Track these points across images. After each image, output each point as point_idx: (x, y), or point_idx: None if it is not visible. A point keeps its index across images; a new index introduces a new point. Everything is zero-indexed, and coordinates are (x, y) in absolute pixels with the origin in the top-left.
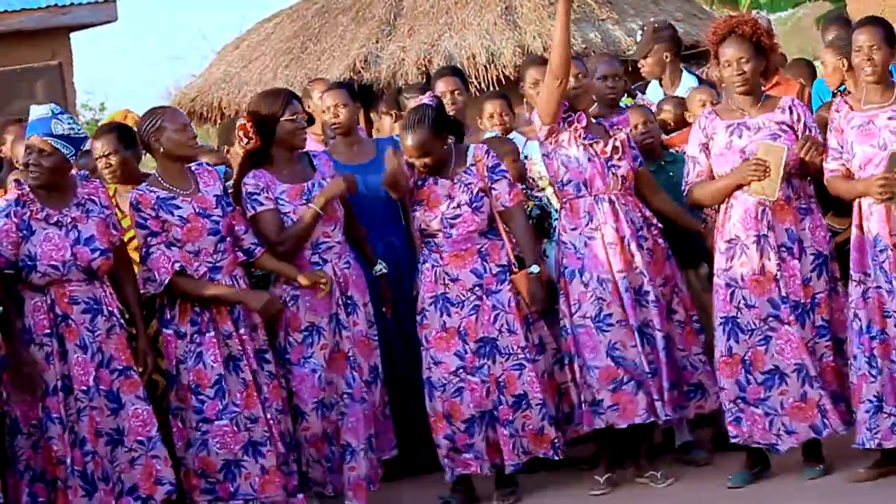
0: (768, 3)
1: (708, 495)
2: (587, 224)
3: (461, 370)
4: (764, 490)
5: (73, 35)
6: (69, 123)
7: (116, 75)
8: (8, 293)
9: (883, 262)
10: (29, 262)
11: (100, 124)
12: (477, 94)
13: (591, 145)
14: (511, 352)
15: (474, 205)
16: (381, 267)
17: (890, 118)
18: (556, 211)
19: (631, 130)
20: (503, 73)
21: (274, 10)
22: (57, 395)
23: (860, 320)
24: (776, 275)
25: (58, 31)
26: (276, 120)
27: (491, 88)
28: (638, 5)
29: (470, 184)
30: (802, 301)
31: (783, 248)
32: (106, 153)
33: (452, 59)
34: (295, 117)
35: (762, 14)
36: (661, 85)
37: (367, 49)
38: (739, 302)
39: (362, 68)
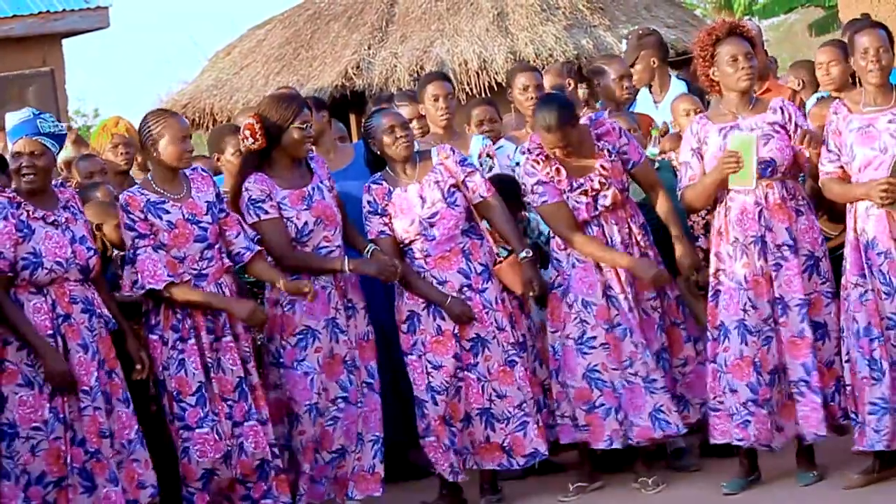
0: (760, 9)
1: (702, 502)
2: None
3: (459, 370)
4: (758, 497)
5: (64, 41)
6: (52, 121)
7: (108, 82)
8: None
9: (881, 264)
10: (34, 260)
11: (92, 131)
12: (467, 100)
13: (581, 193)
14: (503, 349)
15: (448, 199)
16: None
17: (890, 121)
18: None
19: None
20: (495, 79)
21: (266, 17)
22: (64, 395)
23: (857, 323)
24: (773, 275)
25: (50, 37)
26: (286, 127)
27: (483, 95)
28: (630, 12)
29: (439, 181)
30: (798, 300)
31: (785, 247)
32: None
33: (444, 65)
34: (304, 126)
35: (753, 20)
36: (650, 91)
37: (359, 55)
38: (745, 304)
39: (354, 75)
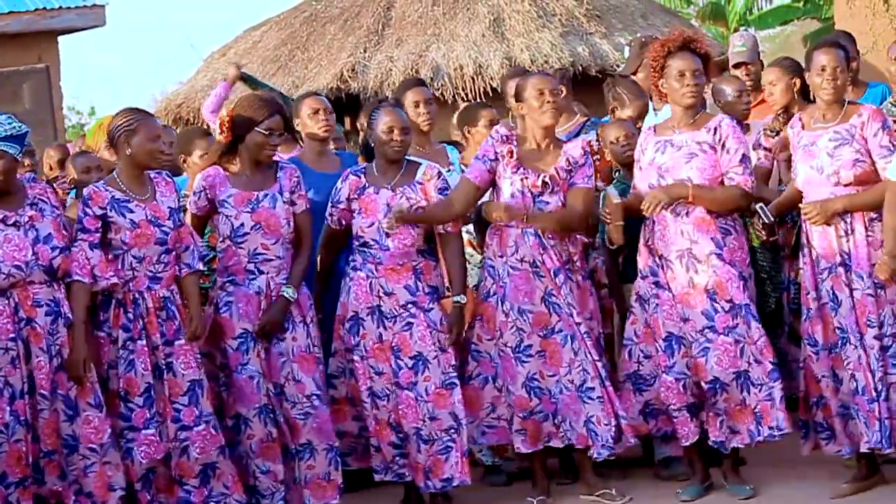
0: (756, 19)
1: None
2: (513, 254)
3: (395, 385)
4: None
5: (60, 39)
6: (9, 123)
7: (103, 80)
8: None
9: (825, 280)
10: None
11: (87, 129)
12: (462, 105)
13: (522, 179)
14: (444, 371)
15: None
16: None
17: (830, 140)
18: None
19: (609, 143)
20: (490, 84)
21: (262, 19)
22: (24, 398)
23: (816, 335)
24: (706, 285)
25: (46, 34)
26: (251, 128)
27: (477, 100)
28: (626, 20)
29: (411, 198)
30: (741, 305)
31: (713, 256)
32: None
33: (440, 69)
34: (268, 132)
35: (749, 31)
36: (650, 99)
37: (354, 58)
38: (677, 317)
39: (350, 77)
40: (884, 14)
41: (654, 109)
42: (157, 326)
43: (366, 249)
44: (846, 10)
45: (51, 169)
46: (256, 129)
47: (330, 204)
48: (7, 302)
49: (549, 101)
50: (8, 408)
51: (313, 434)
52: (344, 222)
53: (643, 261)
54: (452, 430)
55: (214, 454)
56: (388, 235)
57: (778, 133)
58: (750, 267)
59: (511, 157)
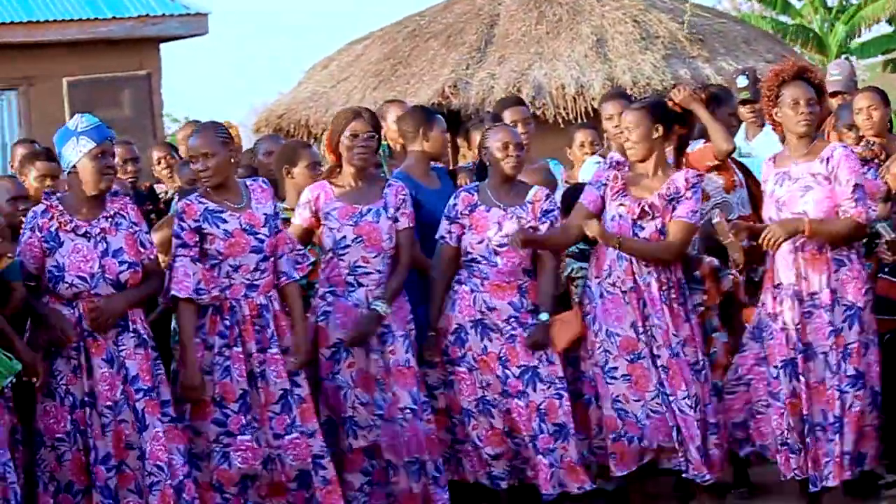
0: (858, 48)
1: None
2: (606, 277)
3: (506, 394)
4: None
5: (162, 46)
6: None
7: (202, 89)
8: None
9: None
10: (56, 273)
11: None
12: (563, 125)
13: (622, 205)
14: (551, 381)
15: None
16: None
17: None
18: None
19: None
20: (591, 105)
21: (365, 32)
22: (84, 408)
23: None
24: (798, 323)
25: (147, 41)
26: (338, 138)
27: (579, 120)
28: (728, 45)
29: (521, 218)
30: (830, 349)
31: (815, 296)
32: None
33: (541, 88)
34: (352, 135)
35: (847, 60)
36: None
37: (456, 75)
38: (795, 345)
39: (451, 94)
40: None
41: (747, 138)
42: (254, 334)
43: (473, 265)
44: None
45: (158, 163)
46: (342, 137)
47: (448, 220)
48: (72, 312)
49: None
50: (69, 416)
51: (389, 452)
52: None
53: (764, 290)
54: (562, 439)
55: (309, 462)
56: (496, 254)
57: (869, 161)
58: (867, 294)
59: (616, 182)
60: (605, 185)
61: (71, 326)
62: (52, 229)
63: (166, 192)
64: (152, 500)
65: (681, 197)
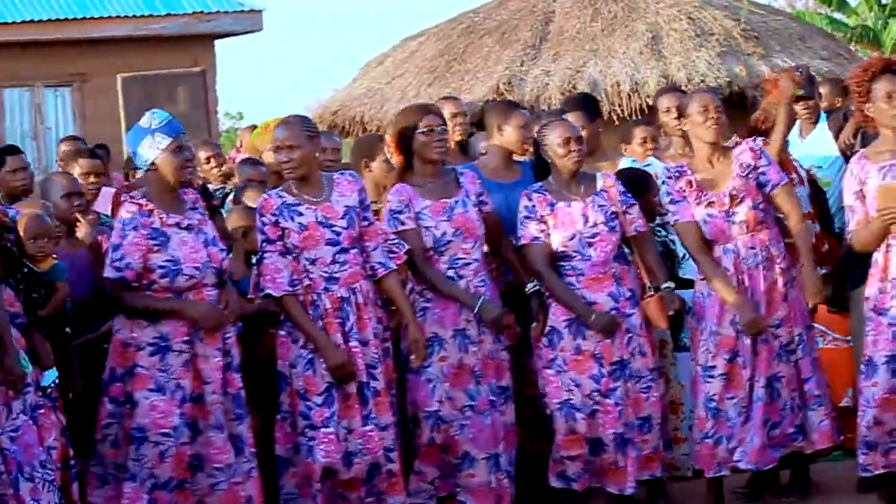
0: None
1: None
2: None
3: (595, 393)
4: None
5: (216, 42)
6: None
7: (256, 85)
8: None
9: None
10: (173, 268)
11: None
12: (618, 121)
13: (709, 204)
14: (641, 375)
15: (609, 224)
16: (531, 285)
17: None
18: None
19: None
20: (646, 101)
21: (420, 29)
22: (193, 402)
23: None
24: None
25: (202, 37)
26: (412, 133)
27: (633, 117)
28: (784, 42)
29: (603, 205)
30: None
31: None
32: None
33: (597, 85)
34: (428, 129)
35: None
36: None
37: (511, 71)
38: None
39: (506, 90)
40: None
41: (801, 135)
42: (337, 328)
43: (565, 263)
44: None
45: (207, 162)
46: (416, 132)
47: (533, 221)
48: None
49: (712, 118)
50: (177, 410)
51: (469, 444)
52: None
53: (869, 285)
54: (646, 432)
55: (380, 455)
56: (590, 245)
57: None
58: None
59: (691, 187)
60: (680, 200)
61: (220, 311)
62: (156, 226)
63: (216, 190)
64: (248, 487)
65: (757, 168)
